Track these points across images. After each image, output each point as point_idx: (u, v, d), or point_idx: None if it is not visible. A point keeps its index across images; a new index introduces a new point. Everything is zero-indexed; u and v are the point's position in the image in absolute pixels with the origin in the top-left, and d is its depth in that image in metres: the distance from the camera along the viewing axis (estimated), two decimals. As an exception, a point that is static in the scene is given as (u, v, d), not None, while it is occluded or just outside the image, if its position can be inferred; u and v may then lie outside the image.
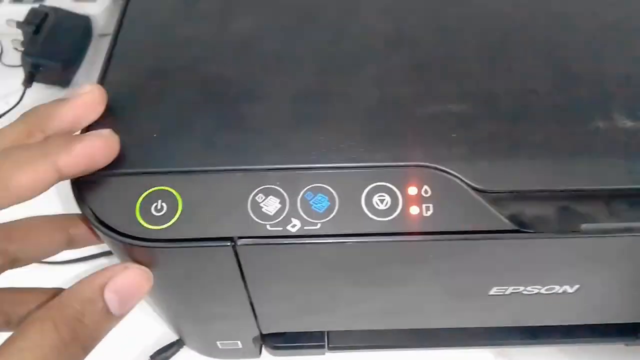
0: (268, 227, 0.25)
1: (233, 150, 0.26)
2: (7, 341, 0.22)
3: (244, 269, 0.27)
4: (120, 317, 0.25)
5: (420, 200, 0.26)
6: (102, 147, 0.25)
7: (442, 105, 0.28)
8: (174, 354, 0.45)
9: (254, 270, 0.27)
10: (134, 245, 0.25)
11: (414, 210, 0.25)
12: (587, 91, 0.29)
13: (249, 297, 0.30)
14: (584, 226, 0.26)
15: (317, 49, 0.31)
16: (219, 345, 0.38)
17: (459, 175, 0.26)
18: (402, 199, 0.26)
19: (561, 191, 0.26)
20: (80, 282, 0.24)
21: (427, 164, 0.26)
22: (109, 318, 0.24)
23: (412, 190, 0.26)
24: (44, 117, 0.26)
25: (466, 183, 0.26)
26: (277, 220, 0.25)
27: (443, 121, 0.28)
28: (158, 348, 0.44)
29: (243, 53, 0.31)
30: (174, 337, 0.44)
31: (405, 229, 0.25)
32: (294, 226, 0.25)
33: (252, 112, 0.28)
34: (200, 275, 0.28)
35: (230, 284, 0.28)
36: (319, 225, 0.25)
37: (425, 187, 0.26)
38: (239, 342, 0.37)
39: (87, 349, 0.24)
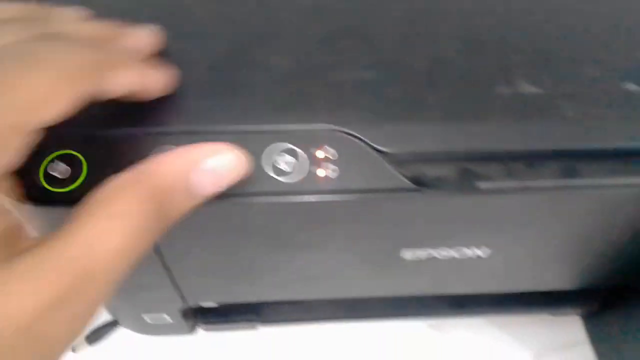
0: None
1: (137, 113, 0.27)
2: (90, 203, 0.20)
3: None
4: (204, 199, 0.23)
5: (324, 161, 0.26)
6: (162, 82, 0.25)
7: (351, 72, 0.29)
8: (108, 333, 0.44)
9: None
10: (37, 207, 0.25)
11: (318, 171, 0.26)
12: (494, 59, 0.30)
13: (162, 261, 0.30)
14: (482, 185, 0.26)
15: (229, 15, 0.31)
16: (147, 319, 0.38)
17: (362, 138, 0.26)
18: (306, 161, 0.26)
19: (461, 152, 0.27)
20: (174, 152, 0.22)
21: (332, 126, 0.27)
22: (194, 198, 0.22)
23: (317, 152, 0.26)
24: (110, 36, 0.24)
25: (369, 145, 0.26)
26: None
27: (351, 86, 0.28)
28: (93, 329, 0.44)
29: (162, 20, 0.31)
30: (109, 318, 0.44)
31: (309, 189, 0.26)
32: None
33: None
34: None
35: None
36: (221, 186, 0.25)
37: (329, 148, 0.26)
38: (166, 316, 0.38)
39: (164, 229, 0.22)
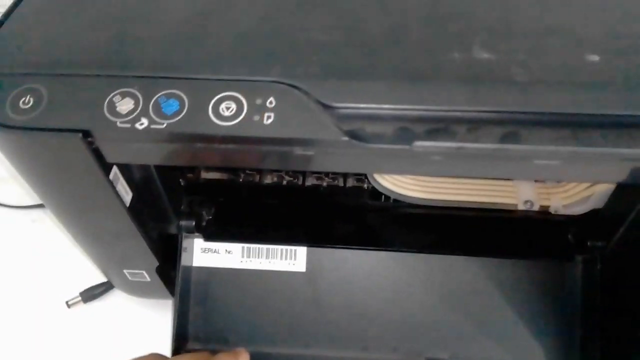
0: (118, 123, 0.27)
1: (100, 56, 0.29)
2: None
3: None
4: None
5: (263, 109, 0.27)
6: None
7: (310, 33, 0.30)
8: (102, 293, 0.47)
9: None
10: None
11: (255, 117, 0.27)
12: (453, 28, 0.30)
13: (121, 200, 0.32)
14: (417, 143, 0.26)
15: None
16: (127, 275, 0.40)
17: (306, 90, 0.27)
18: (246, 108, 0.27)
19: (402, 111, 0.27)
20: None
21: (277, 79, 0.28)
22: None
23: (258, 100, 0.27)
24: None
25: (311, 97, 0.27)
26: (128, 118, 0.27)
27: (306, 46, 0.29)
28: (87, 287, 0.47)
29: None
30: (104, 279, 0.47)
31: (241, 133, 0.27)
32: (142, 124, 0.27)
33: (125, 25, 0.31)
34: (65, 169, 0.30)
35: (96, 183, 0.30)
36: (165, 125, 0.27)
37: (271, 98, 0.27)
38: (145, 273, 0.39)
39: None
